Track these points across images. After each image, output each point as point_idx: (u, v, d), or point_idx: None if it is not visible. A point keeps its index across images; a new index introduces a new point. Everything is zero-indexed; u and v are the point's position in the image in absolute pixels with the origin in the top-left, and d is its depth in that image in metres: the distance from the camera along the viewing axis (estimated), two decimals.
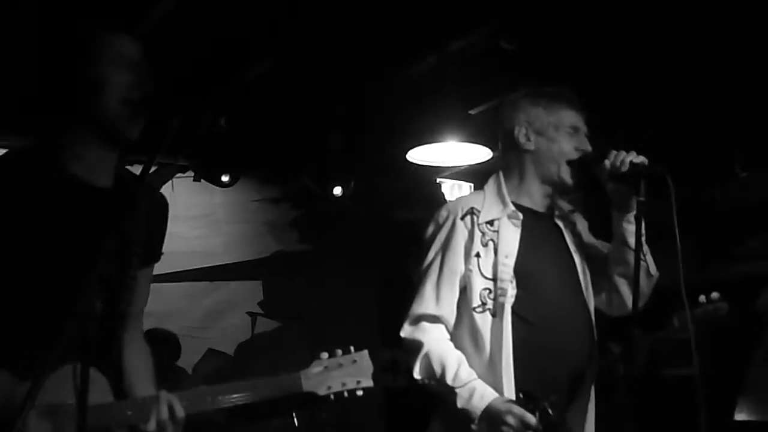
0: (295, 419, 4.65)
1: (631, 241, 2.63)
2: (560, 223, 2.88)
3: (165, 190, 6.08)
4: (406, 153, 5.08)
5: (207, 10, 4.12)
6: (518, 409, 2.50)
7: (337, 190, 6.30)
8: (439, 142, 4.84)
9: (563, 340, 2.69)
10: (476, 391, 2.57)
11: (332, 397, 2.26)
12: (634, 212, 2.62)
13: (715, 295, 3.84)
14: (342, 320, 6.15)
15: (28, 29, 4.07)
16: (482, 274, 2.69)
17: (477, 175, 6.94)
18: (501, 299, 2.64)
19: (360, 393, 2.28)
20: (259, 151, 6.12)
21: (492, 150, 5.08)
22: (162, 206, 2.49)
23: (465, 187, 7.13)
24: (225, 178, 5.96)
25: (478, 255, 2.70)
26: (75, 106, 2.22)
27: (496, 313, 2.65)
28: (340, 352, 2.28)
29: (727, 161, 5.46)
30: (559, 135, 2.79)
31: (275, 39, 4.45)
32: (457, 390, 2.59)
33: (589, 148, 2.82)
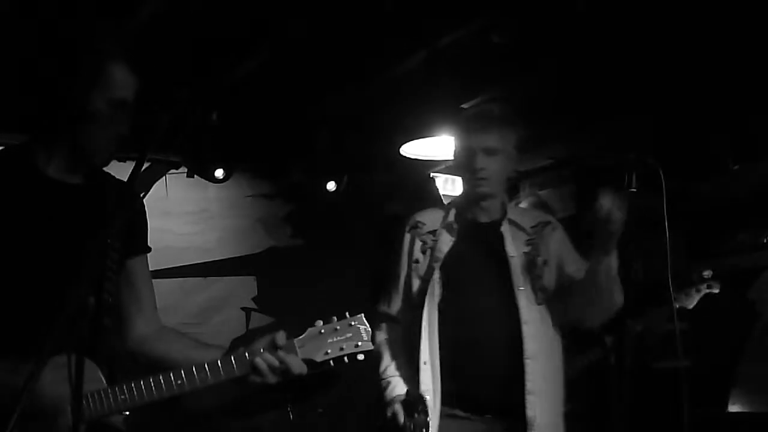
0: (290, 412, 4.65)
1: (601, 279, 2.89)
2: (506, 231, 3.18)
3: (158, 186, 6.12)
4: (399, 147, 5.09)
5: (199, 5, 4.12)
6: (398, 406, 2.96)
7: (331, 185, 6.30)
8: (432, 136, 4.85)
9: (483, 338, 3.04)
10: (390, 384, 3.11)
11: (332, 363, 2.23)
12: (613, 257, 2.84)
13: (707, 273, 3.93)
14: (335, 314, 6.14)
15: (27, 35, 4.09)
16: (419, 277, 3.15)
17: None
18: (431, 298, 3.06)
19: (361, 357, 2.24)
20: (252, 147, 6.12)
21: None
22: (133, 197, 2.50)
23: (458, 182, 7.13)
24: (218, 174, 5.95)
25: (417, 261, 3.18)
26: (57, 124, 2.27)
27: (429, 311, 3.06)
28: (335, 318, 2.27)
29: (719, 154, 5.47)
30: (466, 158, 3.16)
31: (267, 34, 4.45)
32: (382, 380, 3.17)
33: (510, 167, 3.21)
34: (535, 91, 5.19)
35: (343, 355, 2.23)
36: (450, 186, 7.10)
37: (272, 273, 6.55)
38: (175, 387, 2.18)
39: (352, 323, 2.25)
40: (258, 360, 2.20)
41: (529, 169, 7.05)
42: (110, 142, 2.29)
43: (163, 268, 5.82)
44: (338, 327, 2.24)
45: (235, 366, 2.20)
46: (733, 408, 4.37)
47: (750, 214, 5.41)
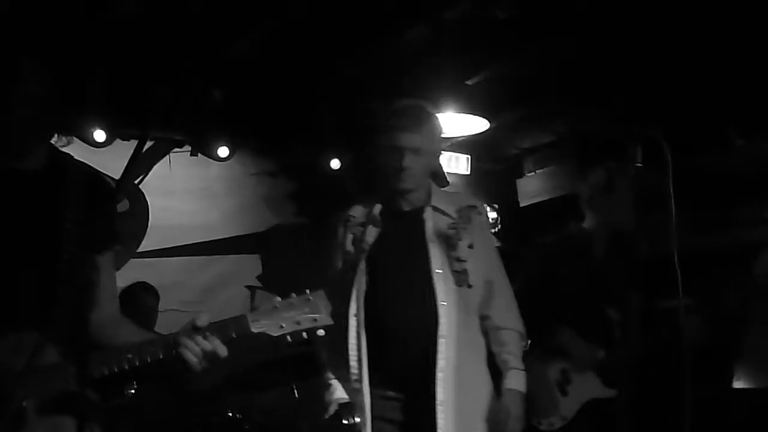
0: (295, 391, 4.67)
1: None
2: (428, 217, 3.29)
3: (162, 164, 6.12)
4: None
5: None
6: (334, 407, 3.28)
7: (335, 163, 6.29)
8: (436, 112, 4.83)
9: (404, 320, 3.15)
10: (332, 386, 3.35)
11: (289, 339, 2.19)
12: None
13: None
14: None
15: None
16: (350, 268, 3.26)
17: (474, 146, 6.93)
18: (358, 287, 3.20)
19: (321, 333, 2.20)
20: (255, 125, 6.11)
21: (489, 121, 5.09)
22: (102, 187, 2.44)
23: (462, 159, 7.12)
24: (222, 152, 5.94)
25: (348, 253, 3.31)
26: None
27: (356, 300, 3.18)
28: (293, 294, 2.21)
29: (723, 129, 5.45)
30: (393, 157, 3.21)
31: (269, 10, 4.43)
32: (325, 381, 3.41)
33: (434, 162, 3.34)
34: (538, 67, 5.17)
35: (301, 330, 2.18)
36: (454, 163, 7.08)
37: (276, 251, 6.55)
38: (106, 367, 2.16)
39: (310, 298, 2.19)
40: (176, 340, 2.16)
41: (533, 145, 7.03)
42: (26, 132, 2.29)
43: (166, 247, 5.81)
44: (294, 302, 2.19)
45: (159, 347, 2.18)
46: (737, 384, 4.37)
47: (755, 189, 5.40)
